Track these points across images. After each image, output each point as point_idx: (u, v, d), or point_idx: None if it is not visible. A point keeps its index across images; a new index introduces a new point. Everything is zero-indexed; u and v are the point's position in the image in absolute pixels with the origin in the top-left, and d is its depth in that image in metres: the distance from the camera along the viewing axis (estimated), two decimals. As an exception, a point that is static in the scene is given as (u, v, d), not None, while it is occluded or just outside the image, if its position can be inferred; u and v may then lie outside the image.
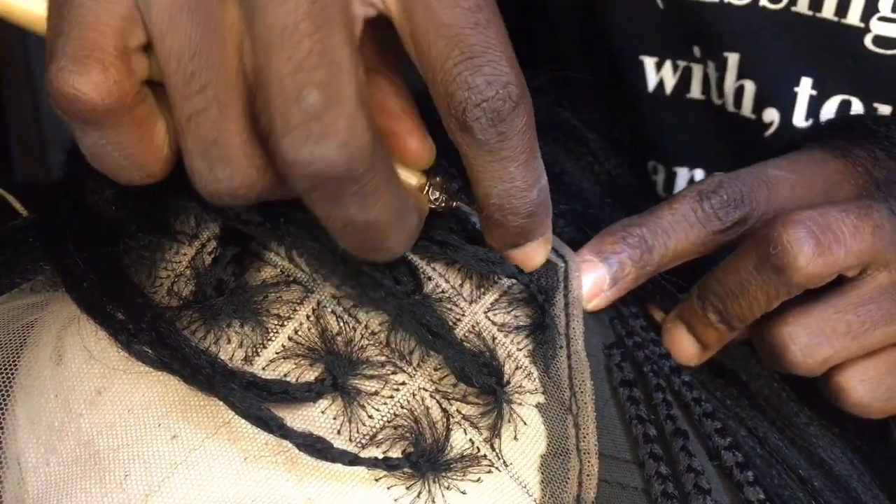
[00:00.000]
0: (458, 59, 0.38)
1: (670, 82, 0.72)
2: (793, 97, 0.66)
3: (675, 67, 0.71)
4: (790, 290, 0.48)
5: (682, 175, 0.75)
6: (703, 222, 0.50)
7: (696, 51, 0.69)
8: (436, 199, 0.45)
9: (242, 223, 0.43)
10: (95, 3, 0.36)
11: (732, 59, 0.67)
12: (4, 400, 0.46)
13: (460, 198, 0.45)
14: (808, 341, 0.48)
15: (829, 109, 0.66)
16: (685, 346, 0.51)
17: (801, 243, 0.46)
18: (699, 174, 0.75)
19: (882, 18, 0.61)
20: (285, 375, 0.42)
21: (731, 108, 0.69)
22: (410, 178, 0.44)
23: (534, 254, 0.45)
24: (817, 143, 0.55)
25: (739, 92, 0.68)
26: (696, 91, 0.72)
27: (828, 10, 0.62)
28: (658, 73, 0.72)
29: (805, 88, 0.66)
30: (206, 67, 0.36)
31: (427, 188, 0.44)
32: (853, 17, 0.62)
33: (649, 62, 0.72)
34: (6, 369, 0.46)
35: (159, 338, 0.41)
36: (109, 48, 0.37)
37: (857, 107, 0.65)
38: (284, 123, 0.35)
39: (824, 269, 0.47)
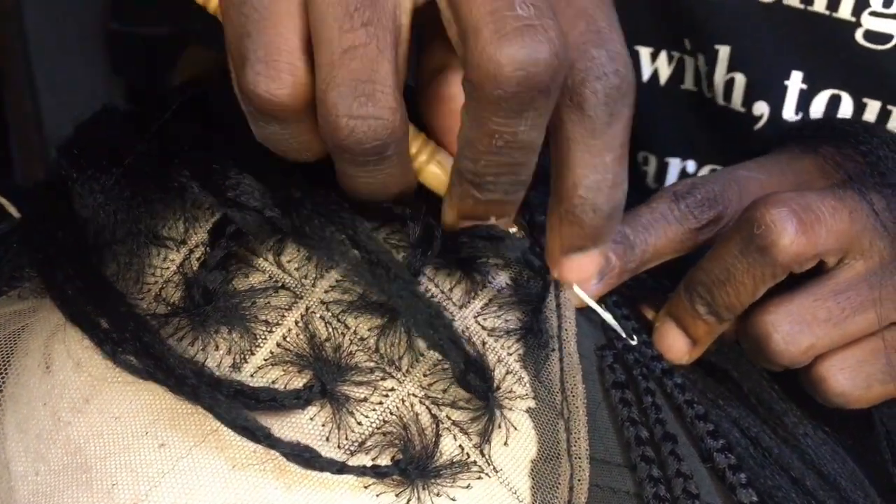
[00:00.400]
0: (584, 30, 0.39)
1: (665, 73, 0.72)
2: (783, 91, 0.66)
3: (671, 58, 0.71)
4: (775, 271, 0.48)
5: (674, 165, 0.75)
6: (679, 221, 0.51)
7: (687, 43, 0.69)
8: None
9: (251, 211, 0.43)
10: (270, 1, 0.38)
11: (723, 51, 0.66)
12: (-6, 408, 0.46)
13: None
14: (790, 329, 0.49)
15: (819, 103, 0.65)
16: (675, 343, 0.51)
17: (784, 222, 0.47)
18: (691, 165, 0.74)
19: (873, 13, 0.60)
20: (273, 382, 0.42)
21: (720, 100, 0.69)
22: None
23: (589, 263, 0.46)
24: (786, 145, 0.56)
25: (729, 84, 0.67)
26: (689, 82, 0.71)
27: (819, 4, 0.62)
28: (653, 64, 0.72)
29: (795, 82, 0.66)
30: (370, 5, 0.37)
31: None
32: (844, 12, 0.61)
33: (644, 52, 0.71)
34: (-5, 377, 0.46)
35: (143, 347, 0.41)
36: (294, 48, 0.38)
37: (846, 101, 0.65)
38: (496, 29, 0.37)
39: (807, 248, 0.47)
